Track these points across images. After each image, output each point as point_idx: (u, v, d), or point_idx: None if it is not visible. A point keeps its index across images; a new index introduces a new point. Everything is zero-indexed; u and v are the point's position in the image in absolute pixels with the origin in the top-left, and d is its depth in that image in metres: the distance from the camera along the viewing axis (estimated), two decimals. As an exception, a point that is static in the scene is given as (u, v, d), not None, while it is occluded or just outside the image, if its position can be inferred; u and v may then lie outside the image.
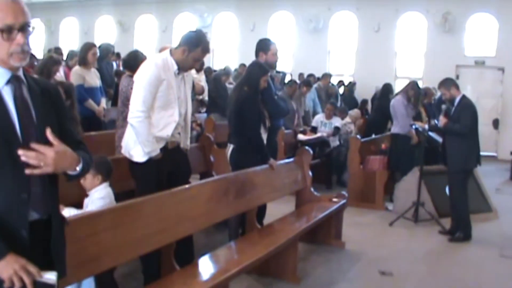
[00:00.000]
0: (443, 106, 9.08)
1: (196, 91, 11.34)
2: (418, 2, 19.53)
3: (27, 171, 2.56)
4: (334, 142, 12.18)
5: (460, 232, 8.57)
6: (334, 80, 19.53)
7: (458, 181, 8.56)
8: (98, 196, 4.87)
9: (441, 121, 8.63)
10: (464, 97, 8.59)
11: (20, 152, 2.53)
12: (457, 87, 8.65)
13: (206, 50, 5.63)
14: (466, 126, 8.34)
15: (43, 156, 2.56)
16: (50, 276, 2.60)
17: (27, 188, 2.62)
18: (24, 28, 2.62)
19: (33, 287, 2.51)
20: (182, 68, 5.58)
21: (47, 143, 2.62)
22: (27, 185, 2.62)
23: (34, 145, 2.55)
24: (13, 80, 2.64)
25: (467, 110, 8.44)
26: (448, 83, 8.66)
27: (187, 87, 5.79)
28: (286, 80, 15.52)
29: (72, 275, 3.22)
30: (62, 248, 2.87)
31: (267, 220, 7.34)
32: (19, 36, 2.60)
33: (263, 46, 7.40)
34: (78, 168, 2.76)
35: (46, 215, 2.72)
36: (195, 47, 5.54)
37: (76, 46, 23.63)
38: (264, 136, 7.01)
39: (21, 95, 2.65)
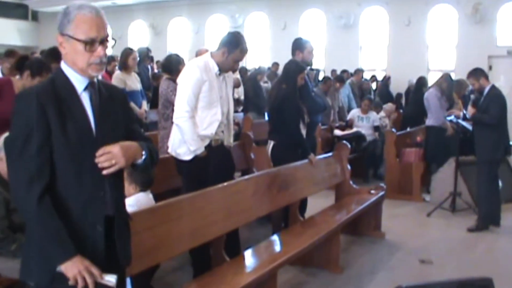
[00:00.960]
0: (472, 96, 9.13)
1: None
2: (449, -6, 19.55)
3: (105, 172, 2.79)
4: (370, 136, 12.32)
5: (478, 220, 8.61)
6: (367, 75, 19.68)
7: (486, 171, 8.58)
8: (127, 203, 5.13)
9: (469, 111, 8.65)
10: (493, 87, 8.59)
11: (96, 160, 2.77)
12: (486, 77, 8.67)
13: (244, 51, 5.88)
14: (494, 117, 8.34)
15: (112, 155, 2.78)
16: (110, 279, 2.80)
17: (103, 186, 2.86)
18: (104, 42, 2.85)
19: (94, 287, 2.73)
20: (223, 69, 5.83)
21: (114, 141, 2.86)
22: (103, 184, 2.86)
23: (99, 151, 2.78)
24: (90, 87, 2.87)
25: (496, 101, 8.43)
26: (478, 73, 8.67)
27: (229, 87, 6.03)
28: (320, 77, 15.70)
29: (133, 265, 3.44)
30: (128, 241, 3.10)
31: (308, 214, 7.51)
32: (100, 48, 2.82)
33: (299, 44, 7.62)
34: (143, 155, 2.95)
35: (114, 212, 2.94)
36: (234, 49, 5.78)
37: (110, 51, 24.05)
38: (303, 131, 7.22)
39: (96, 100, 2.88)
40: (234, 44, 5.80)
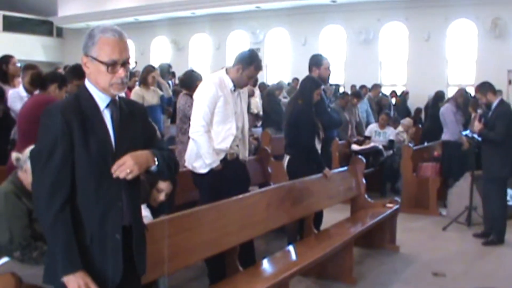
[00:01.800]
0: (479, 111, 9.17)
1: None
2: (467, 9, 19.52)
3: (122, 176, 2.96)
4: (388, 151, 12.42)
5: (493, 235, 8.64)
6: (386, 90, 19.78)
7: (494, 188, 8.62)
8: None
9: (476, 126, 8.66)
10: (501, 103, 8.63)
11: (113, 172, 2.95)
12: (494, 92, 8.71)
13: (258, 67, 6.08)
14: (500, 134, 8.35)
15: (125, 165, 2.95)
16: None
17: (121, 196, 3.05)
18: (125, 64, 3.05)
19: None
20: (238, 85, 6.03)
21: None
22: (120, 194, 3.04)
23: (114, 166, 2.95)
24: (111, 104, 3.07)
25: (502, 117, 8.43)
26: (484, 88, 8.71)
27: (243, 102, 6.23)
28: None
29: (149, 273, 3.58)
30: (144, 250, 3.25)
31: (323, 227, 7.64)
32: (121, 70, 3.02)
33: (316, 61, 7.80)
34: (156, 162, 3.10)
35: (130, 222, 3.12)
36: (248, 65, 5.98)
37: (132, 66, 24.38)
38: (319, 146, 7.38)
39: (117, 117, 3.08)
40: (249, 61, 6.00)
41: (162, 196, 5.27)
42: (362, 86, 17.28)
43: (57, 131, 2.90)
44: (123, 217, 3.07)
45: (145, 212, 5.32)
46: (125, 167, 2.95)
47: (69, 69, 7.74)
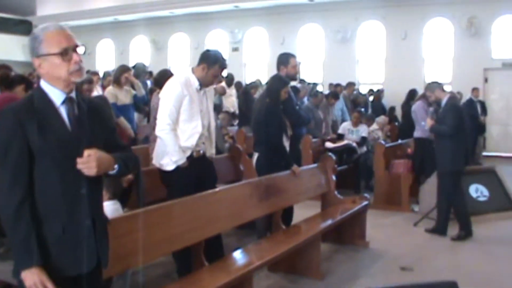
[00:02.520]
0: (430, 109, 9.34)
1: (217, 90, 11.94)
2: (444, 8, 19.76)
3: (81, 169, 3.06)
4: (362, 149, 12.54)
5: (461, 230, 8.77)
6: (364, 89, 19.93)
7: (448, 182, 8.75)
8: None
9: (428, 123, 8.88)
10: (450, 98, 8.82)
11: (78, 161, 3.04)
12: (442, 89, 8.94)
13: (223, 66, 6.22)
14: (450, 126, 8.53)
15: (88, 164, 3.04)
16: None
17: (84, 186, 3.14)
18: (76, 49, 3.15)
19: None
20: (203, 84, 6.15)
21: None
22: (83, 183, 3.13)
23: (79, 159, 3.04)
24: (67, 101, 3.16)
25: (451, 111, 8.63)
26: (432, 86, 8.98)
27: (209, 101, 6.35)
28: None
29: (112, 268, 3.64)
30: (106, 243, 3.33)
31: (294, 223, 7.73)
32: (75, 55, 3.13)
33: (283, 60, 7.89)
34: (116, 167, 3.22)
35: (93, 215, 3.21)
36: (213, 64, 6.12)
37: (112, 66, 24.43)
38: (287, 144, 7.48)
39: (74, 113, 3.16)
40: (213, 60, 6.14)
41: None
42: (337, 85, 17.42)
43: (9, 131, 3.00)
44: (89, 206, 3.17)
45: (117, 205, 5.43)
46: (87, 166, 3.04)
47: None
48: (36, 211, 3.03)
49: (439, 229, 8.86)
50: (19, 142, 2.99)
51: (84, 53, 3.24)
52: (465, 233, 8.76)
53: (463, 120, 8.80)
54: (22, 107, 3.07)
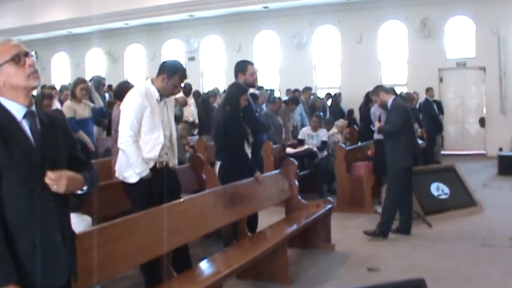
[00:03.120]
0: (377, 113, 9.48)
1: (178, 101, 11.91)
2: (397, 10, 20.02)
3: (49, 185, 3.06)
4: (323, 153, 12.61)
5: (377, 227, 8.93)
6: (322, 93, 20.07)
7: (396, 180, 8.85)
8: None
9: (376, 126, 9.08)
10: (395, 99, 8.97)
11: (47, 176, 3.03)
12: (386, 91, 9.07)
13: (183, 76, 6.20)
14: (395, 124, 8.66)
15: (58, 182, 3.04)
16: None
17: (52, 199, 3.11)
18: (27, 54, 3.14)
19: None
20: (163, 94, 6.13)
21: (58, 165, 3.13)
22: (51, 197, 3.10)
23: (49, 173, 3.03)
24: (29, 115, 3.13)
25: (396, 109, 8.76)
26: (377, 90, 9.12)
27: (170, 111, 6.32)
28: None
29: (82, 282, 3.64)
30: (75, 256, 3.31)
31: (259, 230, 7.76)
32: (27, 59, 3.12)
33: (241, 67, 7.89)
34: (84, 188, 3.25)
35: (62, 228, 3.19)
36: (173, 75, 6.10)
37: (68, 79, 24.18)
38: (248, 151, 7.50)
39: (36, 127, 3.14)
40: (173, 70, 6.12)
41: None
42: (295, 90, 17.52)
43: None
44: (58, 219, 3.16)
45: (88, 218, 5.40)
46: (57, 183, 3.04)
47: None
48: (6, 227, 2.98)
49: (384, 228, 8.88)
50: None
51: (37, 60, 3.23)
52: (382, 231, 8.87)
53: (409, 119, 8.93)
54: None
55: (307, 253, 8.15)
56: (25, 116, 3.12)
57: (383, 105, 9.11)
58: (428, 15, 19.53)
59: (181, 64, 6.32)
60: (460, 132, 19.98)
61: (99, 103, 10.26)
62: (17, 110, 3.10)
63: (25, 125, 3.11)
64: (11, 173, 2.99)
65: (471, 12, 19.11)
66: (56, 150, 3.19)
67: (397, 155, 8.75)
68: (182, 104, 13.10)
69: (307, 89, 17.50)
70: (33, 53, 3.18)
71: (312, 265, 7.68)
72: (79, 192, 3.25)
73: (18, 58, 3.09)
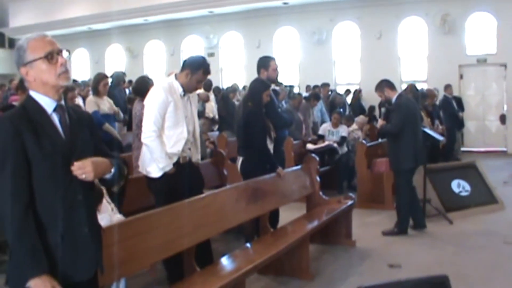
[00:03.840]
0: (383, 109, 9.38)
1: (200, 97, 11.92)
2: (417, 7, 19.91)
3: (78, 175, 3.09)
4: (343, 149, 12.60)
5: (395, 226, 8.91)
6: (341, 89, 20.02)
7: (403, 180, 8.83)
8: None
9: (379, 123, 8.99)
10: (399, 96, 8.89)
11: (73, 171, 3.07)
12: (391, 87, 8.94)
13: (207, 72, 6.20)
14: (395, 125, 8.63)
15: (83, 170, 3.08)
16: None
17: (80, 191, 3.17)
18: (60, 52, 3.19)
19: None
20: (187, 89, 6.14)
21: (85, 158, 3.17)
22: (79, 190, 3.17)
23: (74, 165, 3.07)
24: (58, 109, 3.19)
25: (398, 109, 8.70)
26: (381, 85, 8.98)
27: (193, 106, 6.34)
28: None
29: (107, 275, 3.70)
30: (101, 250, 3.37)
31: (280, 225, 7.75)
32: (60, 58, 3.18)
33: (264, 63, 7.91)
34: (112, 171, 3.28)
35: (88, 223, 3.24)
36: (197, 70, 6.10)
37: (88, 75, 24.31)
38: (271, 146, 7.50)
39: (65, 120, 3.20)
40: (197, 65, 6.12)
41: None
42: (315, 86, 17.49)
43: (6, 140, 2.99)
44: (85, 213, 3.20)
45: (120, 215, 5.44)
46: (83, 170, 3.08)
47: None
48: (36, 219, 3.03)
49: (402, 227, 8.88)
50: (17, 150, 3.00)
51: (69, 58, 3.26)
52: (401, 230, 8.86)
53: (413, 118, 8.81)
54: (17, 116, 3.09)
55: (328, 249, 8.15)
56: (55, 110, 3.18)
57: (388, 101, 9.04)
58: (448, 11, 19.39)
59: (205, 60, 6.32)
60: (480, 129, 19.83)
61: (119, 115, 10.28)
62: (47, 103, 3.16)
63: (55, 118, 3.17)
64: (41, 166, 3.05)
65: (492, 8, 18.96)
66: (84, 144, 3.24)
67: (399, 156, 8.74)
68: (205, 99, 13.12)
69: (326, 85, 17.46)
70: (66, 52, 3.21)
71: (333, 261, 7.68)
72: (107, 176, 3.29)
73: (51, 56, 3.14)
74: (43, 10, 25.93)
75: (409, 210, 8.95)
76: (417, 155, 8.79)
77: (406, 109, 8.74)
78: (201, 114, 12.13)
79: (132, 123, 8.54)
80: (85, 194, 3.20)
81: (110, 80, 10.32)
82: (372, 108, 18.58)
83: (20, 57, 3.18)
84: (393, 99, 8.82)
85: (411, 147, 8.69)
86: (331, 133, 12.70)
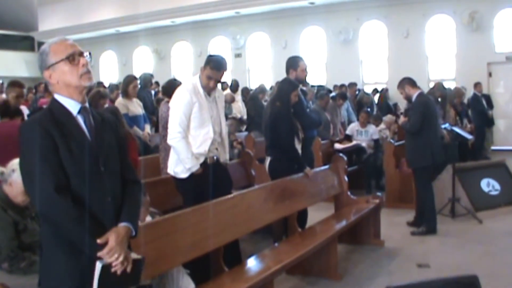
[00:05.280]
0: (404, 106, 9.40)
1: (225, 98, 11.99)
2: (444, 4, 19.74)
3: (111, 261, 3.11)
4: (370, 149, 12.56)
5: (423, 225, 8.87)
6: (368, 89, 19.93)
7: (420, 178, 8.89)
8: None
9: (400, 120, 9.01)
10: (420, 95, 8.85)
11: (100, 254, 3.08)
12: (412, 85, 8.91)
13: (214, 67, 6.19)
14: (413, 124, 8.64)
15: (112, 252, 3.07)
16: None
17: (109, 194, 3.21)
18: (82, 53, 3.24)
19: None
20: (203, 87, 6.19)
21: (111, 160, 3.24)
22: (108, 191, 3.21)
23: (103, 251, 3.06)
24: (83, 110, 3.23)
25: (417, 108, 8.70)
26: (402, 83, 8.97)
27: (219, 106, 6.38)
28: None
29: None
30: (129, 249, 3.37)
31: (308, 225, 7.76)
32: (81, 59, 3.22)
33: (292, 63, 7.93)
34: (133, 233, 3.29)
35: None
36: (205, 66, 6.20)
37: (116, 78, 24.48)
38: (299, 146, 7.51)
39: (90, 122, 3.24)
40: (206, 61, 6.23)
41: None
42: (342, 85, 17.44)
43: (40, 140, 3.03)
44: (115, 214, 3.23)
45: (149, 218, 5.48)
46: (114, 257, 3.08)
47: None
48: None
49: (430, 226, 8.87)
50: (51, 149, 3.04)
51: (91, 60, 3.30)
52: (427, 229, 8.83)
53: (432, 117, 8.80)
54: (44, 118, 3.13)
55: (357, 249, 8.13)
56: (79, 112, 3.22)
57: (408, 99, 9.03)
58: (476, 9, 19.17)
59: (215, 56, 6.41)
60: (510, 127, 19.59)
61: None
62: (72, 106, 3.21)
63: (80, 120, 3.21)
64: (70, 167, 3.08)
65: (521, 5, 18.74)
66: (109, 146, 3.29)
67: (416, 153, 8.77)
68: (229, 100, 13.16)
69: (353, 85, 17.39)
70: (87, 53, 3.26)
71: (362, 261, 7.65)
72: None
73: (73, 58, 3.19)
74: (72, 14, 26.18)
75: (419, 209, 9.02)
76: (434, 153, 8.76)
77: (425, 107, 8.72)
78: (226, 115, 12.16)
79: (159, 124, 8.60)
80: (113, 195, 3.23)
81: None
82: (395, 106, 18.47)
83: (43, 61, 3.23)
84: (413, 97, 8.81)
85: (428, 145, 8.69)
86: (359, 132, 12.65)
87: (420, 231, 8.81)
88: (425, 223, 8.86)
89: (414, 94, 8.81)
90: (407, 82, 8.95)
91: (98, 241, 3.03)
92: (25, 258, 4.44)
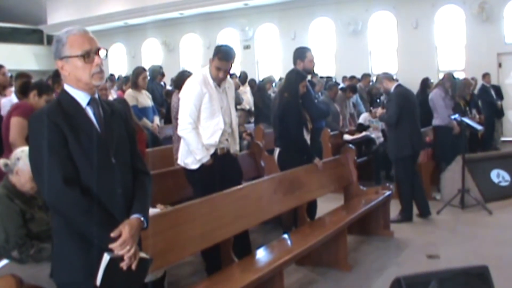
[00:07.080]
0: (382, 98, 9.47)
1: None
2: (454, -5, 19.71)
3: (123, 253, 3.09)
4: (380, 139, 12.53)
5: (399, 214, 9.00)
6: (377, 80, 19.85)
7: (399, 168, 9.03)
8: None
9: (378, 112, 9.16)
10: (397, 87, 8.93)
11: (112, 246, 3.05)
12: (389, 78, 9.08)
13: (222, 58, 6.15)
14: (391, 116, 8.77)
15: (125, 244, 3.06)
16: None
17: (119, 185, 3.19)
18: (98, 51, 3.19)
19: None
20: (213, 78, 6.18)
21: (121, 152, 3.23)
22: (119, 183, 3.20)
23: (116, 243, 3.05)
24: (92, 102, 3.21)
25: (394, 99, 8.80)
26: (380, 77, 9.22)
27: (230, 97, 6.36)
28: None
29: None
30: (140, 244, 3.35)
31: (318, 216, 7.80)
32: (96, 58, 3.17)
33: (300, 54, 7.92)
34: (145, 225, 3.25)
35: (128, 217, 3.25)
36: (214, 57, 6.17)
37: (125, 70, 24.50)
38: (307, 137, 7.51)
39: (99, 113, 3.22)
40: (214, 52, 6.20)
41: None
42: (352, 77, 17.38)
43: (47, 133, 3.02)
44: (125, 206, 3.22)
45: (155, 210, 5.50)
46: (125, 244, 3.07)
47: (53, 72, 8.00)
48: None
49: (406, 215, 9.02)
50: (59, 140, 3.03)
51: (106, 58, 3.28)
52: (404, 217, 8.98)
53: (410, 107, 8.89)
54: (52, 109, 3.12)
55: (366, 239, 8.12)
56: (89, 103, 3.20)
57: (386, 92, 9.17)
58: (486, -1, 19.12)
59: (223, 46, 6.34)
60: (520, 118, 19.54)
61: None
62: (81, 97, 3.19)
63: (90, 112, 3.19)
64: (79, 158, 3.07)
65: (531, -6, 18.63)
66: (119, 137, 3.27)
67: (398, 144, 8.85)
68: (236, 87, 13.13)
69: (366, 76, 17.30)
70: (104, 51, 3.23)
71: (371, 252, 7.65)
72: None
73: (88, 55, 3.14)
74: (80, 7, 26.21)
75: (413, 197, 9.07)
76: (414, 142, 8.88)
77: (402, 99, 8.81)
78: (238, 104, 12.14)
79: (169, 116, 8.61)
80: (125, 187, 3.23)
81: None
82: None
83: (57, 50, 3.20)
84: (391, 90, 8.92)
85: (408, 135, 8.80)
86: (372, 122, 12.62)
87: (396, 219, 8.88)
88: (401, 211, 9.02)
89: (392, 87, 8.92)
90: (384, 77, 9.17)
91: (112, 234, 3.02)
92: (33, 245, 4.47)
